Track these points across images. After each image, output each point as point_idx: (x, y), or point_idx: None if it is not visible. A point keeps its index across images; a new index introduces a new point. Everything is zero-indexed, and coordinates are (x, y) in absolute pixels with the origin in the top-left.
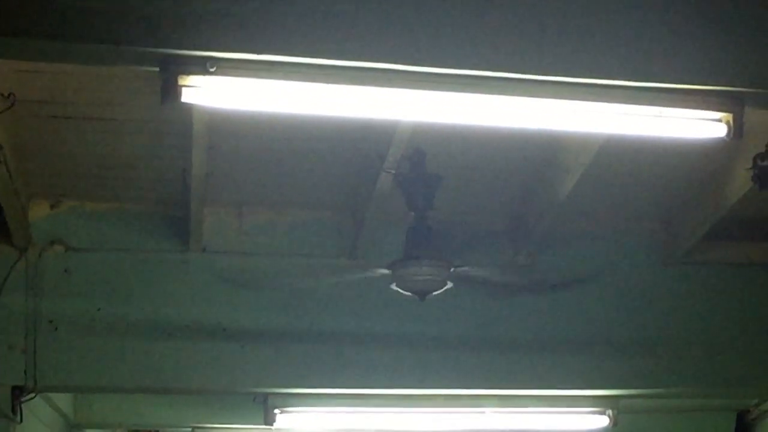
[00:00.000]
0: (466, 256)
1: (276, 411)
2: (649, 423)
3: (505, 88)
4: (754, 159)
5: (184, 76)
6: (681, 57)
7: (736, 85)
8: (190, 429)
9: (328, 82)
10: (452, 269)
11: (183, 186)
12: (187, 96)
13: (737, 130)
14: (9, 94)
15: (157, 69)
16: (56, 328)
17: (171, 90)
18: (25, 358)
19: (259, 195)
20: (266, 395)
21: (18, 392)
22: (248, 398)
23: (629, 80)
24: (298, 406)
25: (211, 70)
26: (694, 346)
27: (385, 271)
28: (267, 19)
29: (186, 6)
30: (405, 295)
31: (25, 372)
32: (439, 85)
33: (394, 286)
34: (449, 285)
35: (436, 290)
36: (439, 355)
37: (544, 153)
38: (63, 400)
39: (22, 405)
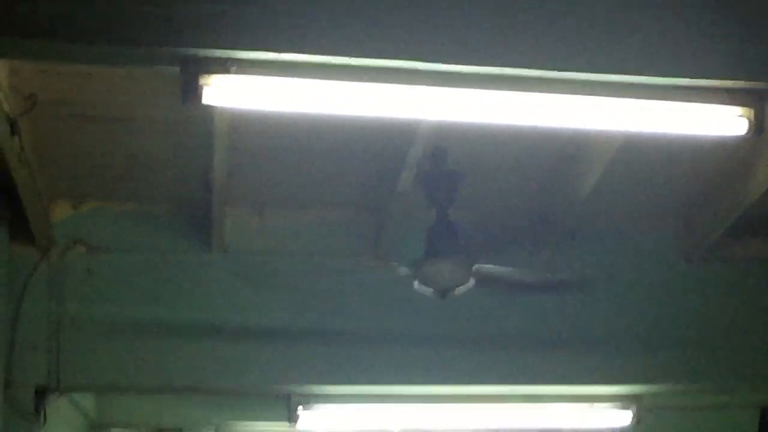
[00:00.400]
0: (488, 254)
1: (299, 409)
2: (672, 420)
3: (527, 86)
4: None
5: (205, 77)
6: (701, 53)
7: (757, 82)
8: (213, 428)
9: (349, 81)
10: (474, 267)
11: (205, 186)
12: (208, 96)
13: (758, 126)
14: (30, 95)
15: (178, 69)
16: (79, 329)
17: (192, 90)
18: (48, 359)
19: (281, 194)
20: (290, 394)
21: (41, 392)
22: (271, 396)
23: (650, 77)
24: (322, 404)
25: (232, 69)
26: (717, 342)
27: (407, 270)
28: (287, 18)
29: (206, 6)
30: (426, 293)
31: (48, 372)
32: (460, 82)
33: (416, 285)
34: (471, 283)
35: (458, 288)
36: (462, 353)
37: (565, 150)
38: (86, 400)
39: (46, 405)
